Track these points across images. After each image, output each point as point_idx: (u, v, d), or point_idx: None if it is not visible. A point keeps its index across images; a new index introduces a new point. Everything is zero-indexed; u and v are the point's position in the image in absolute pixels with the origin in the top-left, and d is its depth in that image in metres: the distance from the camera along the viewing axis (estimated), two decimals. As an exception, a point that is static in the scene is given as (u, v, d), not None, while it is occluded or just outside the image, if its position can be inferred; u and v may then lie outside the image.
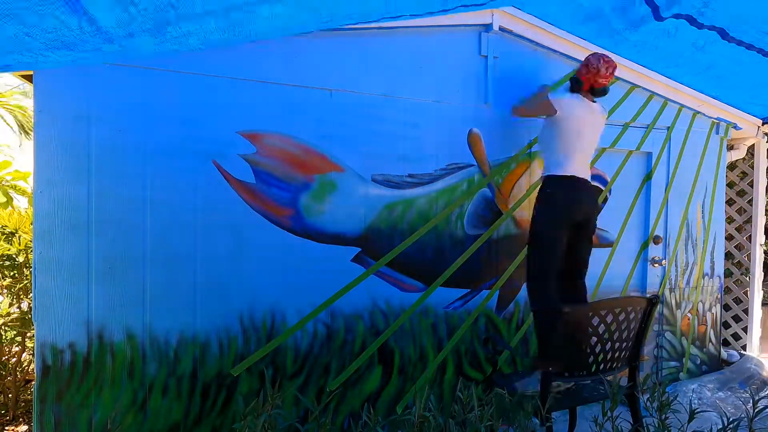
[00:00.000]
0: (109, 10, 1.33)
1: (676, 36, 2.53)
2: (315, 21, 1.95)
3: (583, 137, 2.53)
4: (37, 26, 1.32)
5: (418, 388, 2.60)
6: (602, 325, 2.08)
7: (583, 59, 2.93)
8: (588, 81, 2.54)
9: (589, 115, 2.55)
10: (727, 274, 4.07)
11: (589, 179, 2.60)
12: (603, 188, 3.22)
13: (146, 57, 1.92)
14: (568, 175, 2.49)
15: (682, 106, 3.41)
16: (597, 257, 3.22)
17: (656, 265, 3.37)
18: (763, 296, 4.20)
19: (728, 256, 4.08)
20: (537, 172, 2.95)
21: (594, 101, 2.62)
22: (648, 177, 3.36)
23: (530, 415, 1.24)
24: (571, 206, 2.48)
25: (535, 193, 2.92)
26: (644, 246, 3.37)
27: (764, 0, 2.09)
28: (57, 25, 1.33)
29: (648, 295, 2.24)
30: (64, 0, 1.23)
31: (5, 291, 2.84)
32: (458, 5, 2.28)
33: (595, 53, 2.57)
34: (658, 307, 3.40)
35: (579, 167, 2.53)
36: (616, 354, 2.18)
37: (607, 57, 2.52)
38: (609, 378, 2.36)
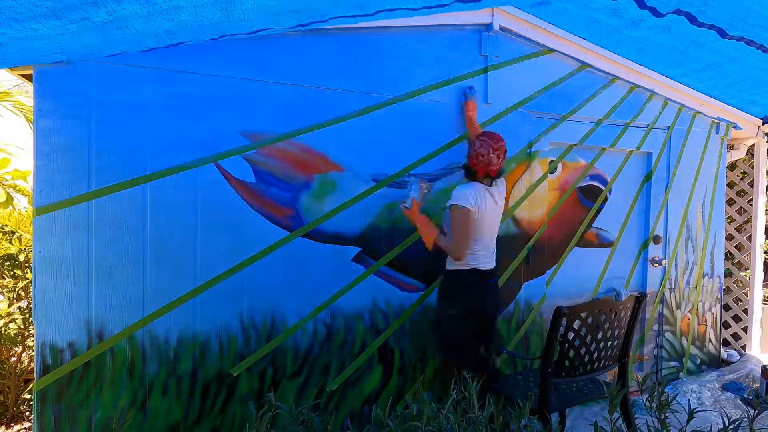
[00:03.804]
0: None
1: (677, 32, 2.52)
2: (309, 7, 1.92)
3: (487, 227, 2.35)
4: None
5: (417, 389, 2.60)
6: (597, 324, 2.11)
7: (581, 60, 2.95)
8: (482, 171, 2.33)
9: (491, 203, 2.35)
10: (727, 274, 4.07)
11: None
12: (603, 188, 3.22)
13: (139, 36, 1.87)
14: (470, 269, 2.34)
15: (683, 105, 3.41)
16: (597, 257, 3.22)
17: (656, 264, 3.37)
18: (764, 296, 4.20)
19: (728, 256, 4.08)
20: (537, 172, 2.95)
21: (492, 184, 2.38)
22: (648, 177, 3.37)
23: (527, 415, 1.24)
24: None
25: (535, 193, 2.93)
26: (644, 246, 3.38)
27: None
28: None
29: (636, 293, 2.27)
30: None
31: (5, 290, 2.85)
32: (454, 1, 2.26)
33: (483, 137, 2.30)
34: (659, 307, 3.41)
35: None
36: (608, 353, 2.21)
37: (496, 141, 2.29)
38: (608, 379, 2.37)
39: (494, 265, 2.44)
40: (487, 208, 2.30)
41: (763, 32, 2.37)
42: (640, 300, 2.25)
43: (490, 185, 2.37)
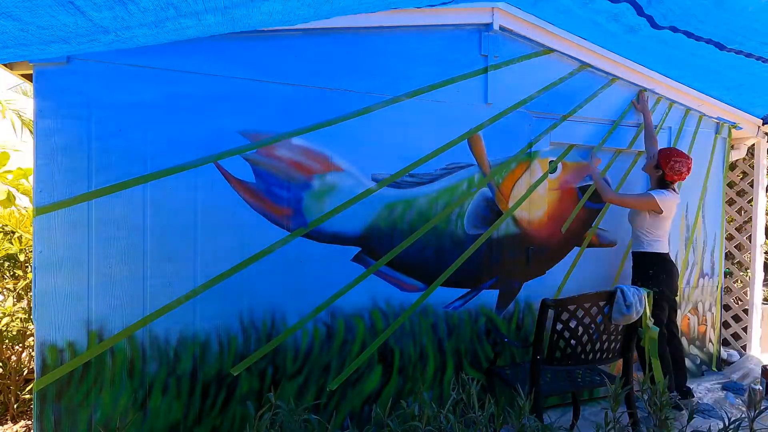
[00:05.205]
0: (108, 10, 1.32)
1: (675, 44, 2.53)
2: (314, 16, 1.94)
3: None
4: (32, 23, 1.31)
5: (417, 389, 2.61)
6: (587, 317, 2.19)
7: (581, 60, 2.95)
8: (672, 177, 2.89)
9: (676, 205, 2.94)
10: (727, 274, 4.06)
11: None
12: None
13: (142, 45, 1.89)
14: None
15: (683, 105, 3.40)
16: (597, 257, 3.22)
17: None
18: (764, 296, 4.20)
19: (728, 256, 4.08)
20: (537, 172, 2.95)
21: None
22: (649, 177, 3.36)
23: (527, 414, 1.25)
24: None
25: (535, 193, 2.93)
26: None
27: (764, 16, 2.11)
28: (53, 22, 1.33)
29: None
30: (59, 1, 1.23)
31: (5, 290, 2.85)
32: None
33: (674, 155, 2.86)
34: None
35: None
36: (604, 345, 2.27)
37: (688, 160, 2.87)
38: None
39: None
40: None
41: (762, 47, 2.38)
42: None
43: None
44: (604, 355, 2.26)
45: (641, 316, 2.25)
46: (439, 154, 2.67)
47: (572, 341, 2.19)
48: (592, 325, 2.19)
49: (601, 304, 2.20)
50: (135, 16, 1.41)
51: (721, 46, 2.44)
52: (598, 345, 2.24)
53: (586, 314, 2.17)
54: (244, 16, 1.69)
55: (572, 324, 2.18)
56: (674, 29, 2.32)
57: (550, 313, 2.16)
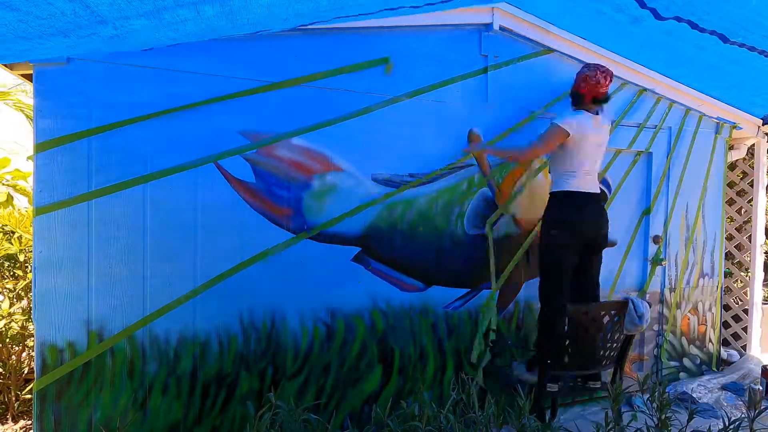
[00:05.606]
0: None
1: (679, 35, 2.52)
2: (313, 12, 1.94)
3: (588, 152, 2.50)
4: (31, 13, 1.31)
5: (417, 389, 2.61)
6: (599, 325, 2.20)
7: (581, 59, 2.94)
8: (589, 93, 2.49)
9: (594, 129, 2.51)
10: (727, 274, 4.06)
11: (596, 192, 2.56)
12: (605, 190, 3.22)
13: (144, 45, 1.88)
14: (574, 190, 2.48)
15: (683, 106, 3.40)
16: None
17: (656, 264, 3.37)
18: (764, 296, 4.20)
19: (728, 256, 4.08)
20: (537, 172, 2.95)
21: (597, 113, 2.55)
22: (649, 177, 3.36)
23: (527, 414, 1.25)
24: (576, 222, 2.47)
25: (535, 193, 2.93)
26: (644, 246, 3.37)
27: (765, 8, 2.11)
28: (51, 10, 1.32)
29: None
30: None
31: (5, 290, 2.85)
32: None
33: (588, 65, 2.54)
34: (659, 307, 3.40)
35: (584, 182, 2.51)
36: (609, 353, 2.30)
37: (602, 66, 2.50)
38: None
39: (598, 190, 2.59)
40: (589, 133, 2.46)
41: (765, 40, 2.38)
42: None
43: (596, 113, 2.53)
44: (604, 363, 2.29)
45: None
46: (440, 154, 2.67)
47: (582, 347, 2.21)
48: (601, 334, 2.21)
49: (613, 313, 2.22)
50: (132, 4, 1.39)
51: (724, 39, 2.43)
52: (601, 352, 2.27)
53: (599, 322, 2.19)
54: (243, 8, 1.68)
55: (584, 330, 2.19)
56: (678, 19, 2.32)
57: (568, 318, 2.18)
